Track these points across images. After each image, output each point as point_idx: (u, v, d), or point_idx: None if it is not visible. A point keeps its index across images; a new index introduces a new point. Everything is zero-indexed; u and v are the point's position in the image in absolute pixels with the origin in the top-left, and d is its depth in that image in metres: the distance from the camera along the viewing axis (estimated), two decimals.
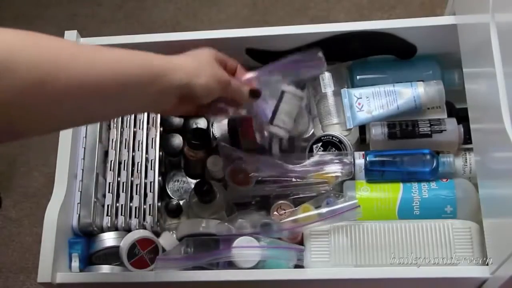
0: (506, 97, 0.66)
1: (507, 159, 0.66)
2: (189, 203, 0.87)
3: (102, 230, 0.87)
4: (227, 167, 0.87)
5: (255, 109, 0.84)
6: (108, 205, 0.88)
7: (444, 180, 0.84)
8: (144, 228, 0.87)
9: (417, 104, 0.89)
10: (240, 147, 0.88)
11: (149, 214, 0.87)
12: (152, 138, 0.91)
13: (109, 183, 0.89)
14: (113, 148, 0.91)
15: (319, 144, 0.87)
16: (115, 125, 0.92)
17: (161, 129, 0.92)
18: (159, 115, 0.92)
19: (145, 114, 0.92)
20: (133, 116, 0.92)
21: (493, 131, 0.71)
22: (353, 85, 0.94)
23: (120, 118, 0.92)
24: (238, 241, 0.79)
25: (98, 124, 0.90)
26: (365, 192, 0.84)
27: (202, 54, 0.73)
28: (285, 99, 0.84)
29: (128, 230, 0.87)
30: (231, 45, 0.91)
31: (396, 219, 0.82)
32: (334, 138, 0.87)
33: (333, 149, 0.87)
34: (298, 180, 0.85)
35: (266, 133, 0.85)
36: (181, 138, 0.92)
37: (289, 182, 0.86)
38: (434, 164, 0.84)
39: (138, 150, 0.91)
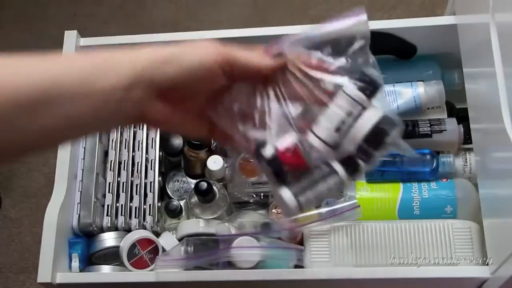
0: (506, 97, 0.66)
1: (507, 159, 0.66)
2: (189, 203, 0.87)
3: (102, 230, 0.87)
4: (235, 158, 0.86)
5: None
6: (108, 205, 0.88)
7: (444, 180, 0.84)
8: (144, 228, 0.87)
9: (417, 104, 0.89)
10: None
11: (149, 214, 0.87)
12: (152, 138, 0.91)
13: (109, 183, 0.89)
14: (113, 148, 0.91)
15: None
16: None
17: None
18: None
19: None
20: None
21: (493, 131, 0.71)
22: None
23: None
24: (238, 241, 0.79)
25: None
26: (365, 192, 0.84)
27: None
28: (338, 100, 0.53)
29: (128, 230, 0.87)
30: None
31: (396, 219, 0.82)
32: None
33: None
34: None
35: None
36: (181, 138, 0.92)
37: None
38: (434, 164, 0.84)
39: (138, 150, 0.91)
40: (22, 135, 0.46)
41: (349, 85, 0.53)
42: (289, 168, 0.53)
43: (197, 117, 0.55)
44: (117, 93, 0.47)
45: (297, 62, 0.54)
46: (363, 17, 0.56)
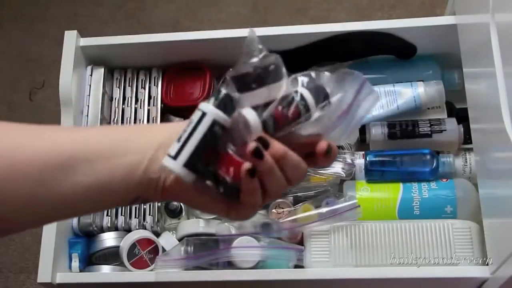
0: (506, 97, 0.66)
1: (507, 159, 0.66)
2: None
3: (102, 230, 0.87)
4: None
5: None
6: None
7: (444, 180, 0.84)
8: (144, 228, 0.87)
9: (417, 104, 0.89)
10: None
11: (149, 214, 0.87)
12: None
13: None
14: None
15: None
16: (115, 125, 0.92)
17: None
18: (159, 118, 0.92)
19: (145, 113, 0.92)
20: (133, 116, 0.92)
21: (493, 131, 0.71)
22: None
23: (120, 117, 0.92)
24: (238, 241, 0.79)
25: (98, 124, 0.90)
26: (365, 192, 0.84)
27: None
28: None
29: (128, 230, 0.87)
30: (231, 45, 0.91)
31: (396, 219, 0.82)
32: None
33: None
34: None
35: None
36: None
37: None
38: (434, 164, 0.84)
39: None
40: (58, 195, 0.46)
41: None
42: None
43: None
44: (148, 153, 0.48)
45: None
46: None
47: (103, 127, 0.50)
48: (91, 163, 0.46)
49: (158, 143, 0.48)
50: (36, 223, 0.49)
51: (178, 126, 0.49)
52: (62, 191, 0.45)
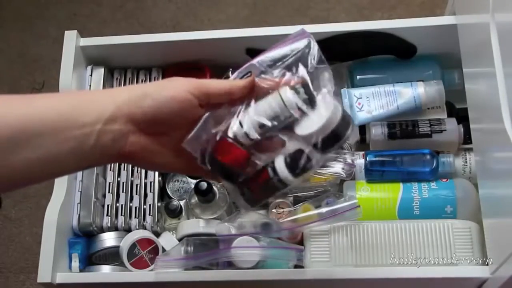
0: (506, 97, 0.66)
1: (507, 159, 0.66)
2: (189, 203, 0.87)
3: (102, 230, 0.87)
4: None
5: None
6: (108, 205, 0.88)
7: (444, 180, 0.84)
8: (144, 228, 0.87)
9: (417, 104, 0.89)
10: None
11: (149, 214, 0.87)
12: None
13: (109, 183, 0.89)
14: None
15: None
16: None
17: None
18: None
19: None
20: None
21: (493, 131, 0.71)
22: (353, 85, 0.94)
23: None
24: (237, 241, 0.79)
25: None
26: (365, 192, 0.84)
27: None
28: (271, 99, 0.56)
29: (128, 230, 0.88)
30: (231, 45, 0.91)
31: (396, 219, 0.82)
32: None
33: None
34: None
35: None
36: None
37: None
38: (434, 164, 0.84)
39: None
40: (8, 168, 0.47)
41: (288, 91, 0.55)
42: (229, 164, 0.55)
43: (177, 152, 0.56)
44: (97, 126, 0.50)
45: (261, 82, 0.57)
46: (306, 38, 0.58)
47: (53, 95, 0.50)
48: (40, 137, 0.47)
49: (106, 115, 0.50)
50: None
51: (123, 95, 0.52)
52: (11, 164, 0.46)
